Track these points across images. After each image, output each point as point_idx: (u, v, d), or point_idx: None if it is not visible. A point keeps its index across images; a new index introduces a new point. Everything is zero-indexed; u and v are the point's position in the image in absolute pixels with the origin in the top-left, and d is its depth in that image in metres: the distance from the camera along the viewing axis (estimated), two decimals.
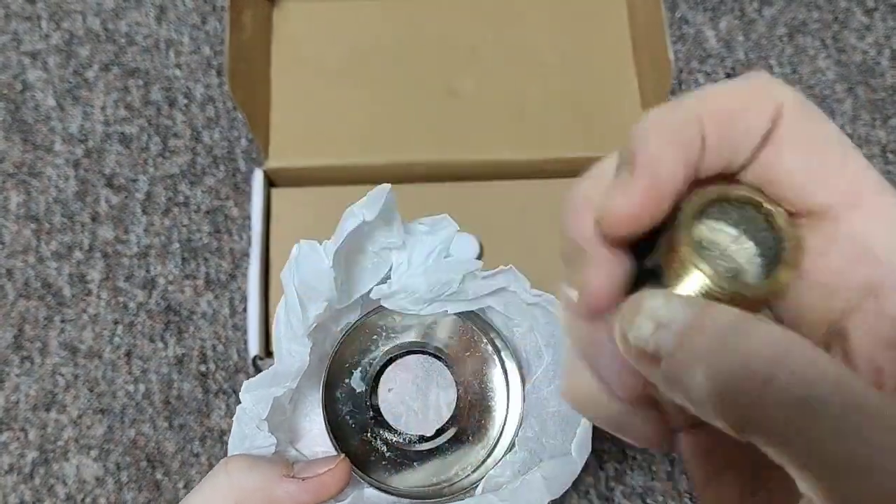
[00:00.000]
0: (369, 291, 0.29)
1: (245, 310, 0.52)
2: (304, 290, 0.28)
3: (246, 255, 0.54)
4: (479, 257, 0.49)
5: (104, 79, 0.59)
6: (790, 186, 0.16)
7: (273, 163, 0.50)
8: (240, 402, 0.28)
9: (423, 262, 0.29)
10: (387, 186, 0.28)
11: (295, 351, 0.27)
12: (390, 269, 0.29)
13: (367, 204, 0.28)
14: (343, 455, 0.29)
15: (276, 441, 0.28)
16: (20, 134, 0.57)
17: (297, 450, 0.30)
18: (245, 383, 0.28)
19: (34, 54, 0.60)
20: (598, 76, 0.53)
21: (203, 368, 0.51)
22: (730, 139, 0.16)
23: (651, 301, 0.15)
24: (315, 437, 0.31)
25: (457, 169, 0.51)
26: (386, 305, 0.30)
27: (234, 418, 0.28)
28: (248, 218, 0.54)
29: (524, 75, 0.53)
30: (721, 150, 0.16)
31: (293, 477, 0.26)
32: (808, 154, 0.16)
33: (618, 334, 0.16)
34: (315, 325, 0.28)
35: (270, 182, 0.51)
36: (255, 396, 0.28)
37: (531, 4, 0.55)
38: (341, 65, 0.53)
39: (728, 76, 0.61)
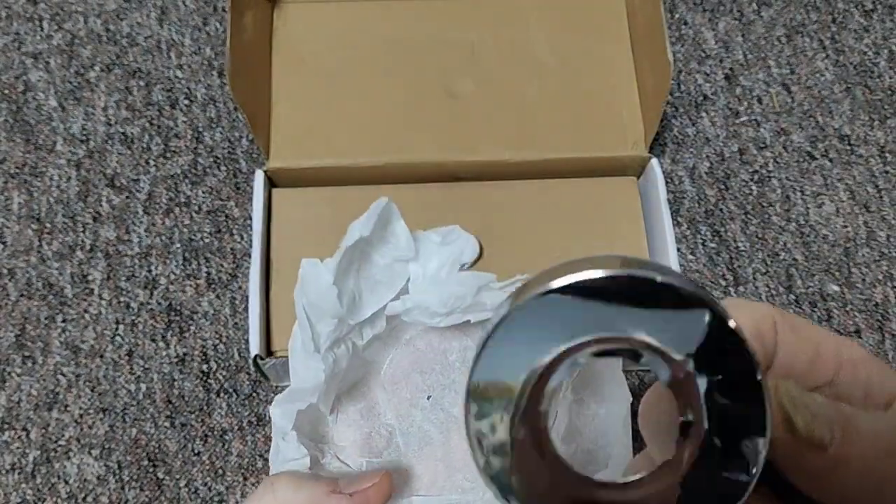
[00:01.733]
0: (385, 306, 0.29)
1: (246, 309, 0.52)
2: (312, 310, 0.27)
3: (247, 254, 0.54)
4: (479, 257, 0.50)
5: (106, 80, 0.59)
6: (798, 376, 0.21)
7: (274, 163, 0.50)
8: (252, 409, 0.28)
9: (435, 276, 0.28)
10: (383, 200, 0.27)
11: (311, 367, 0.27)
12: (408, 282, 0.28)
13: (364, 220, 0.27)
14: (385, 471, 0.29)
15: (307, 452, 0.28)
16: (22, 135, 0.58)
17: (341, 460, 0.30)
18: (275, 399, 0.28)
19: (36, 55, 0.60)
20: (598, 76, 0.54)
21: (204, 368, 0.52)
22: (763, 352, 0.20)
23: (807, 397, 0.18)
24: (359, 446, 0.30)
25: (457, 169, 0.51)
26: (405, 319, 0.29)
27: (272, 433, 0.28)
28: (250, 218, 0.55)
29: (524, 75, 0.53)
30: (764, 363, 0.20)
31: (340, 493, 0.26)
32: (802, 348, 0.21)
33: (780, 423, 0.18)
34: (330, 342, 0.27)
35: (271, 182, 0.51)
36: (282, 411, 0.28)
37: (531, 4, 0.55)
38: (341, 65, 0.53)
39: (726, 77, 0.61)
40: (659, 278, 0.17)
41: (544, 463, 0.18)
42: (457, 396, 0.30)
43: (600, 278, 0.17)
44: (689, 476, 0.18)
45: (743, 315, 0.20)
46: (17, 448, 0.50)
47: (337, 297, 0.27)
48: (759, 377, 0.17)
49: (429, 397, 0.30)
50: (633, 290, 0.17)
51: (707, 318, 0.17)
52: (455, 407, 0.30)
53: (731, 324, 0.17)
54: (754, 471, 0.17)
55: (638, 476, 0.18)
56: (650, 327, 0.17)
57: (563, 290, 0.17)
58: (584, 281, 0.17)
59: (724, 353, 0.17)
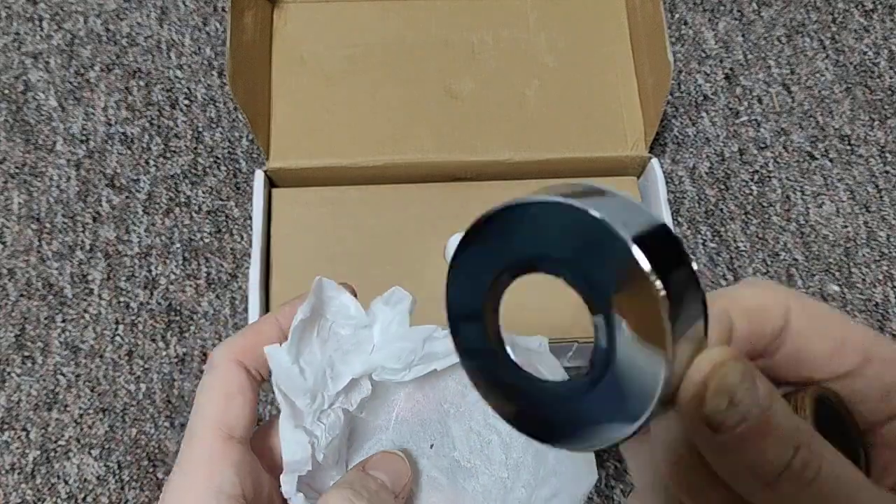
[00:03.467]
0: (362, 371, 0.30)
1: (246, 309, 0.52)
2: (287, 390, 0.28)
3: (247, 255, 0.54)
4: None
5: (106, 79, 0.59)
6: (814, 364, 0.21)
7: (274, 163, 0.50)
8: None
9: (383, 335, 0.29)
10: (318, 279, 0.29)
11: (298, 441, 0.28)
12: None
13: (304, 303, 0.29)
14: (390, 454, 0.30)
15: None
16: (22, 135, 0.58)
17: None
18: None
19: (36, 55, 0.60)
20: (598, 77, 0.54)
21: (204, 368, 0.52)
22: (757, 332, 0.20)
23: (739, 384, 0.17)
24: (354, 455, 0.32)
25: (457, 169, 0.51)
26: (376, 379, 0.30)
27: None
28: (250, 218, 0.55)
29: (524, 75, 0.53)
30: (749, 340, 0.21)
31: (369, 475, 0.28)
32: (820, 338, 0.21)
33: (691, 398, 0.17)
34: (314, 415, 0.29)
35: (271, 182, 0.51)
36: (284, 478, 0.28)
37: (531, 5, 0.55)
38: (341, 65, 0.53)
39: (726, 77, 0.61)
40: (577, 204, 0.16)
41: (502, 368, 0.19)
42: (454, 441, 0.32)
43: (530, 203, 0.17)
44: (589, 399, 0.18)
45: (747, 295, 0.20)
46: (17, 448, 0.49)
47: (300, 374, 0.29)
48: (666, 328, 0.16)
49: (431, 445, 0.32)
50: (559, 216, 0.17)
51: (621, 253, 0.16)
52: (455, 451, 0.32)
53: (645, 267, 0.16)
54: (636, 423, 0.17)
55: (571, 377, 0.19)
56: (577, 253, 0.17)
57: (502, 213, 0.18)
58: (514, 206, 0.17)
59: (636, 292, 0.16)
